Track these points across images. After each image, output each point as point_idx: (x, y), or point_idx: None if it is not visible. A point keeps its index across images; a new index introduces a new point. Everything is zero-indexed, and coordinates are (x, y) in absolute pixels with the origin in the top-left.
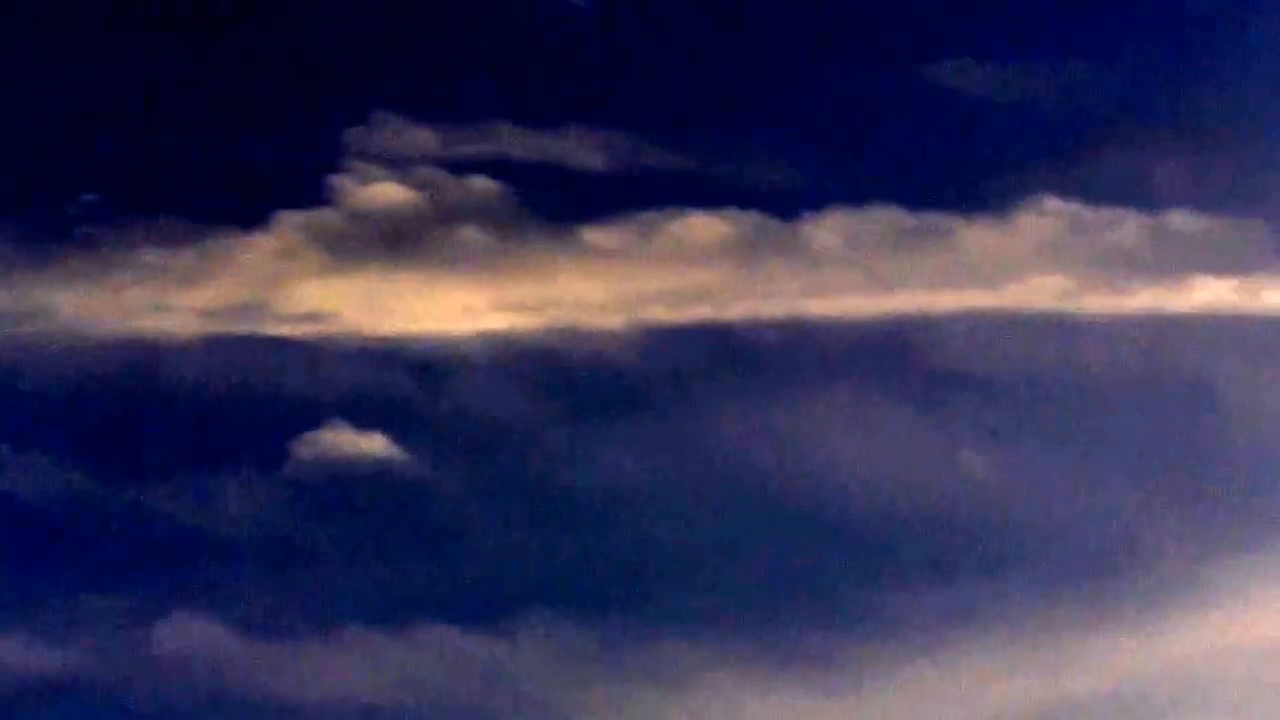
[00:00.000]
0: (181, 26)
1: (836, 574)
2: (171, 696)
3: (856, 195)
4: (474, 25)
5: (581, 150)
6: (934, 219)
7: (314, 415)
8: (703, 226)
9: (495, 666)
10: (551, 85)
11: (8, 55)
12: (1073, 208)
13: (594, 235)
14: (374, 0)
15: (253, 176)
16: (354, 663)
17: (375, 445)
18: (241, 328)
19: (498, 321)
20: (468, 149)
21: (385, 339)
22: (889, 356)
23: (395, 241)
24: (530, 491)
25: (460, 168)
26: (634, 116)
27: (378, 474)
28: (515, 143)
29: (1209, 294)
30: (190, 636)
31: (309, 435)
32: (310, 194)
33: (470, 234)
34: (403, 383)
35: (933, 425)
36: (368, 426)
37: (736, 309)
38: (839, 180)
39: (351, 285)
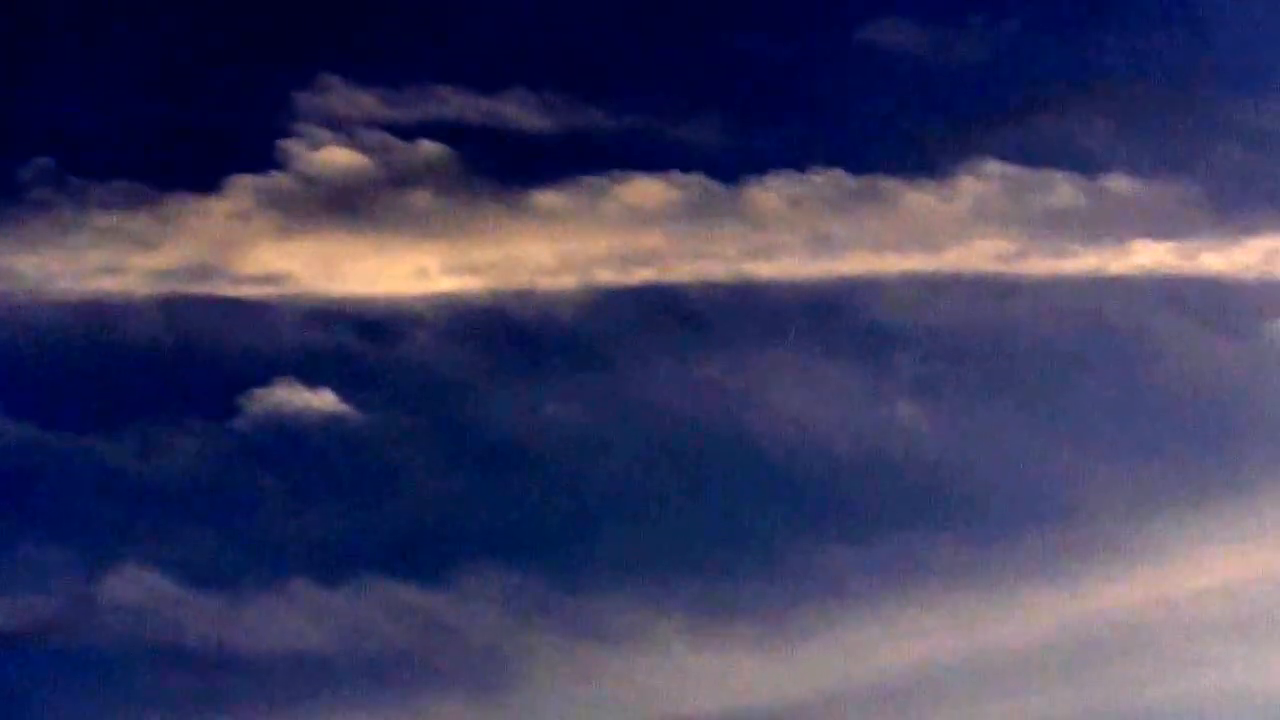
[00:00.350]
0: None
1: (778, 527)
2: (118, 647)
3: (798, 159)
4: None
5: (527, 114)
6: (876, 182)
7: (265, 373)
8: (648, 189)
9: (437, 618)
10: (496, 49)
11: None
12: (1012, 170)
13: (541, 198)
14: None
15: (205, 141)
16: (299, 614)
17: (324, 401)
18: (195, 289)
19: (448, 283)
20: (414, 113)
21: (337, 300)
22: (832, 317)
23: (346, 205)
24: (476, 447)
25: (408, 132)
26: (578, 80)
27: (325, 429)
28: (461, 106)
29: (1146, 256)
30: (137, 587)
31: (259, 392)
32: (262, 158)
33: (419, 197)
34: (353, 342)
35: (873, 383)
36: (317, 383)
37: (682, 270)
38: (781, 144)
39: (303, 248)
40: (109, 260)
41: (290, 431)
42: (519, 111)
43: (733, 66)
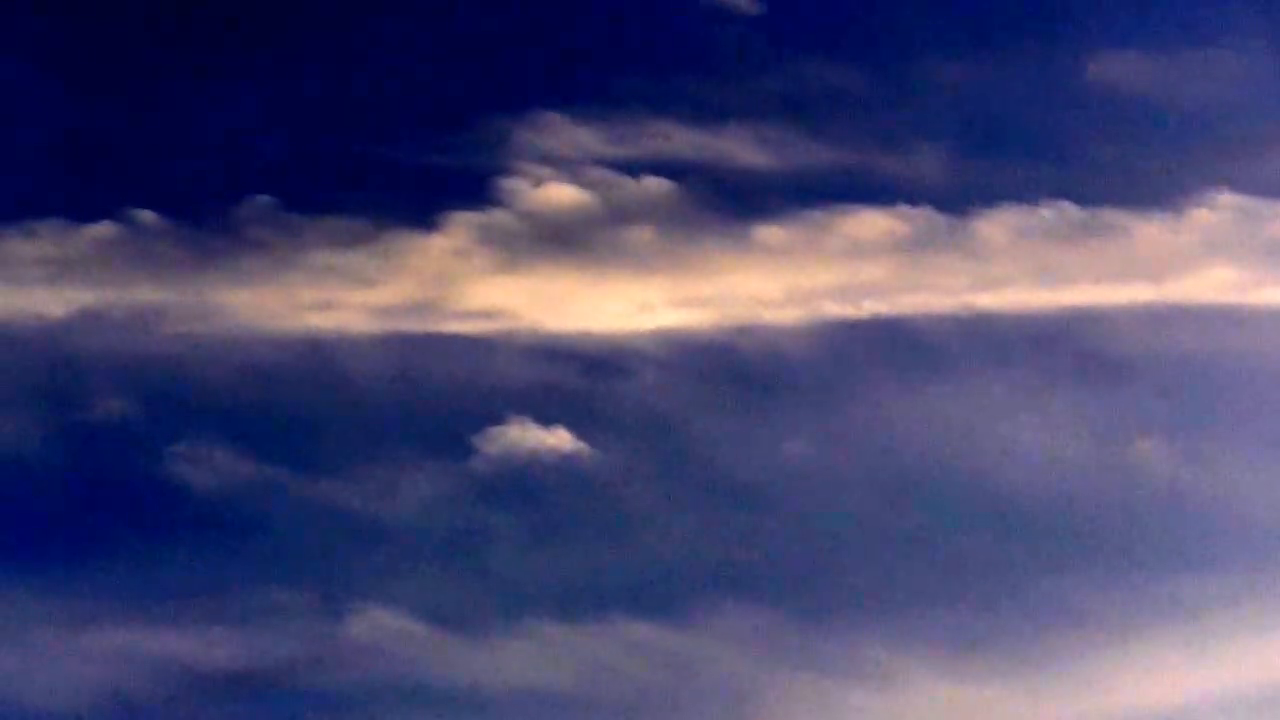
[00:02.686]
0: (354, 29)
1: (1016, 563)
2: (362, 686)
3: (1026, 191)
4: (641, 25)
5: (749, 148)
6: (1104, 214)
7: (495, 410)
8: (872, 222)
9: (680, 656)
10: (719, 84)
11: (179, 62)
12: (1244, 201)
13: (763, 232)
14: (542, 2)
15: (424, 178)
16: (541, 653)
17: (559, 440)
18: (416, 325)
19: (671, 318)
20: (636, 149)
21: (561, 336)
22: (1061, 349)
23: (566, 241)
24: (712, 484)
25: (629, 168)
26: (801, 115)
27: (562, 467)
28: (683, 142)
29: None
30: (380, 627)
31: (492, 430)
32: (481, 195)
33: (640, 233)
34: (582, 379)
35: (1106, 416)
36: (550, 421)
37: (908, 302)
38: (1008, 177)
39: (525, 284)
40: (327, 297)
41: (527, 470)
42: (741, 146)
43: (956, 99)
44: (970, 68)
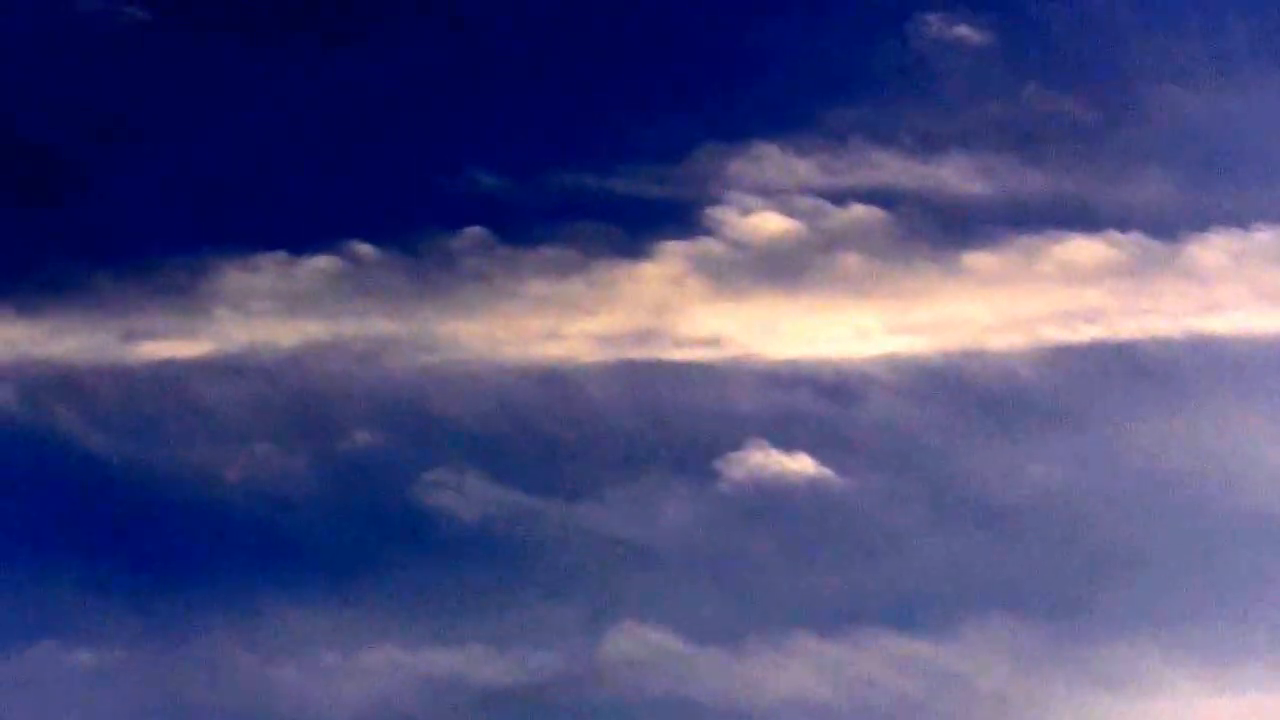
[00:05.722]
0: (564, 64)
1: (1270, 574)
2: (624, 701)
3: (1238, 215)
4: (849, 55)
5: (964, 176)
6: None
7: (733, 436)
8: (1085, 249)
9: (942, 668)
10: (938, 113)
11: (393, 99)
12: None
13: (973, 259)
14: (751, 33)
15: (633, 208)
16: (800, 666)
17: (802, 465)
18: (640, 353)
19: (892, 343)
20: (846, 178)
21: (783, 362)
22: None
23: (779, 269)
24: (954, 503)
25: (839, 196)
26: (1018, 142)
27: (807, 490)
28: (892, 170)
29: None
30: (641, 643)
31: (733, 455)
32: (692, 224)
33: (852, 260)
34: (814, 403)
35: None
36: (790, 447)
37: (1128, 327)
38: (1220, 201)
39: (741, 311)
40: (551, 326)
41: (772, 493)
42: (950, 174)
43: (1172, 126)
44: (1187, 95)
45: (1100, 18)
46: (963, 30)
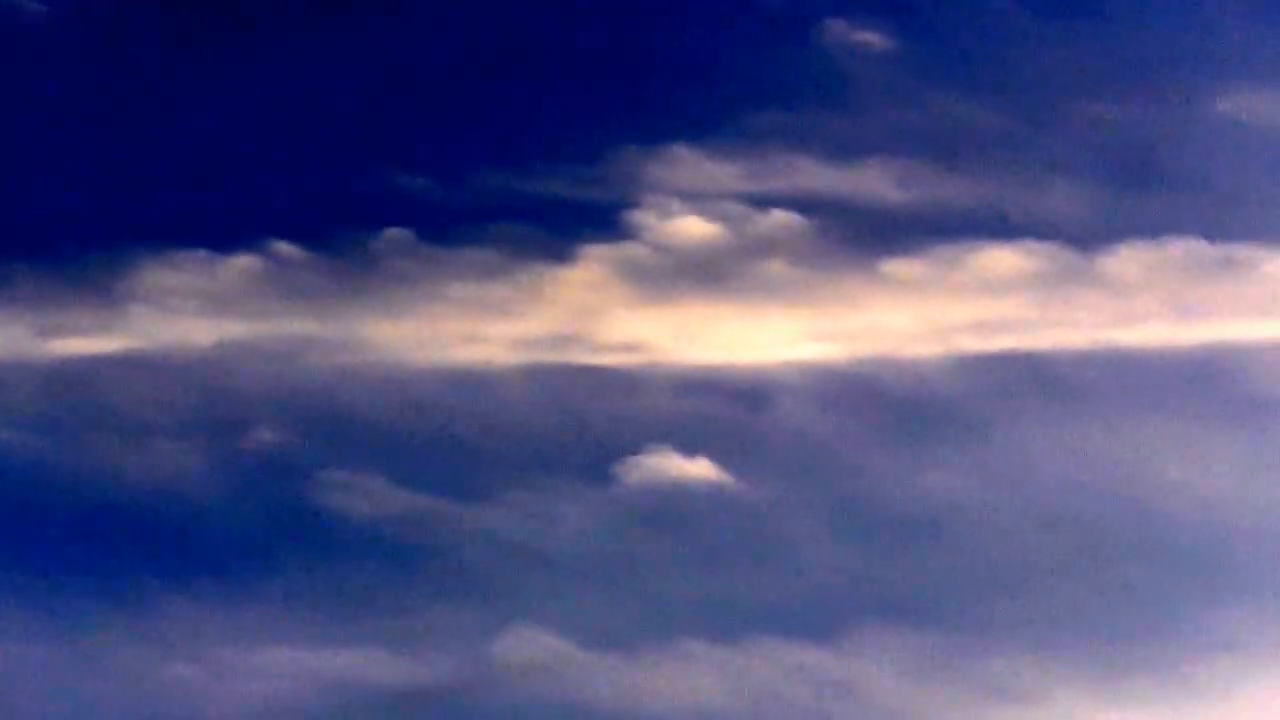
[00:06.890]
0: (488, 66)
1: (1164, 593)
2: (515, 705)
3: (1153, 227)
4: (770, 61)
5: (882, 183)
6: (1233, 249)
7: (635, 440)
8: (1003, 258)
9: (832, 676)
10: (852, 119)
11: (317, 98)
12: None
13: (895, 267)
14: (678, 36)
15: (555, 212)
16: (691, 672)
17: (702, 469)
18: (557, 357)
19: (809, 351)
20: (765, 183)
21: (699, 367)
22: (1202, 385)
23: (701, 274)
24: (854, 512)
25: (758, 201)
26: (934, 150)
27: (706, 495)
28: (812, 176)
29: None
30: (534, 647)
31: (632, 459)
32: (615, 228)
33: (774, 266)
34: (722, 409)
35: (1252, 450)
36: (693, 451)
37: (1044, 338)
38: (1135, 213)
39: (661, 316)
40: (471, 329)
41: (671, 498)
42: (871, 181)
43: (1088, 135)
44: (1102, 104)
45: (1012, 26)
46: (867, 36)
